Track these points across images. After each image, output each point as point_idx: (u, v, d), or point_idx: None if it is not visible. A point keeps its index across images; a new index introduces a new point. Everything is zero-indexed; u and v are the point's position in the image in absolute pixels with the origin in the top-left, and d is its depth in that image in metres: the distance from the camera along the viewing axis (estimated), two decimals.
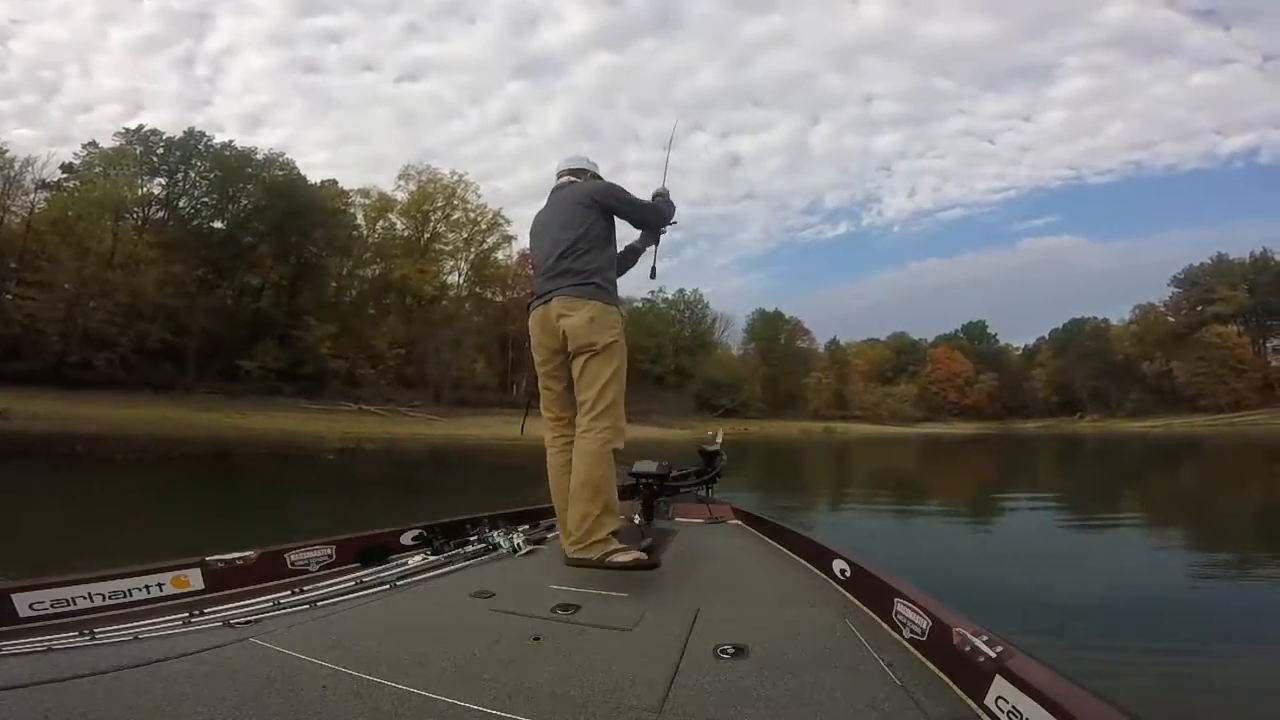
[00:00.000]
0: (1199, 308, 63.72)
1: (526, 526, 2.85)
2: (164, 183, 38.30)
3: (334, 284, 43.04)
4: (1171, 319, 66.99)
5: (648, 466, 3.11)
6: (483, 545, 2.51)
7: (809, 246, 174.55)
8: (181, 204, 38.67)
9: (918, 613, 1.50)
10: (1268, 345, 62.70)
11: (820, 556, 2.23)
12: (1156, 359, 64.95)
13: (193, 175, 38.82)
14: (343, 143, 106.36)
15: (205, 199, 39.08)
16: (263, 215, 37.89)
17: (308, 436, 22.00)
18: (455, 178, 47.92)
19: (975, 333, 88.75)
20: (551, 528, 2.63)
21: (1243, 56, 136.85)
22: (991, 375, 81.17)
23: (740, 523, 3.22)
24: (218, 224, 38.42)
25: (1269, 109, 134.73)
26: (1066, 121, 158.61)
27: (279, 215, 37.30)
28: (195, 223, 38.15)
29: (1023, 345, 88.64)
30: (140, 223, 36.35)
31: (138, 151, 37.32)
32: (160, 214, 37.74)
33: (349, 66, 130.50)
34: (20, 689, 1.17)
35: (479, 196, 49.34)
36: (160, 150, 38.17)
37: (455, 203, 48.08)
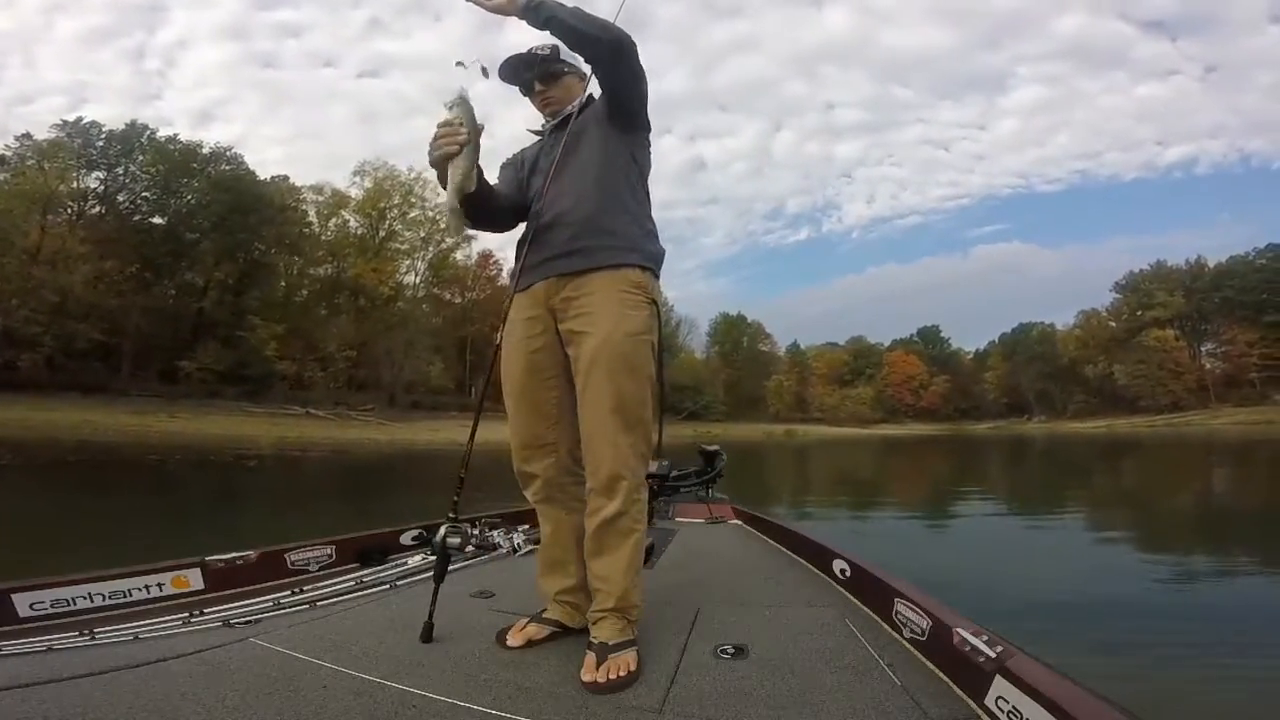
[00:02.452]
0: (1139, 313, 66.57)
1: (526, 526, 2.79)
2: (102, 176, 36.55)
3: (283, 283, 41.65)
4: (1113, 324, 69.84)
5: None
6: (483, 545, 2.50)
7: (771, 251, 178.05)
8: (120, 199, 36.94)
9: (918, 613, 1.49)
10: (1202, 349, 65.69)
11: (820, 556, 2.22)
12: (1099, 362, 67.43)
13: (133, 169, 37.05)
14: (298, 139, 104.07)
15: (146, 194, 37.37)
16: (206, 211, 36.45)
17: (242, 441, 21.04)
18: (413, 174, 46.95)
19: (929, 337, 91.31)
20: None
21: (1186, 68, 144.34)
22: (944, 378, 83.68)
23: (740, 523, 3.23)
24: (158, 220, 36.82)
25: (1208, 120, 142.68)
26: (1018, 131, 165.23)
27: (224, 211, 35.88)
28: (135, 218, 36.52)
29: (974, 349, 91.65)
30: (74, 217, 34.67)
31: (76, 144, 35.49)
32: (97, 209, 36.06)
33: (308, 61, 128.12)
34: (20, 689, 1.17)
35: (438, 194, 48.34)
36: (100, 143, 36.33)
37: (413, 200, 46.96)
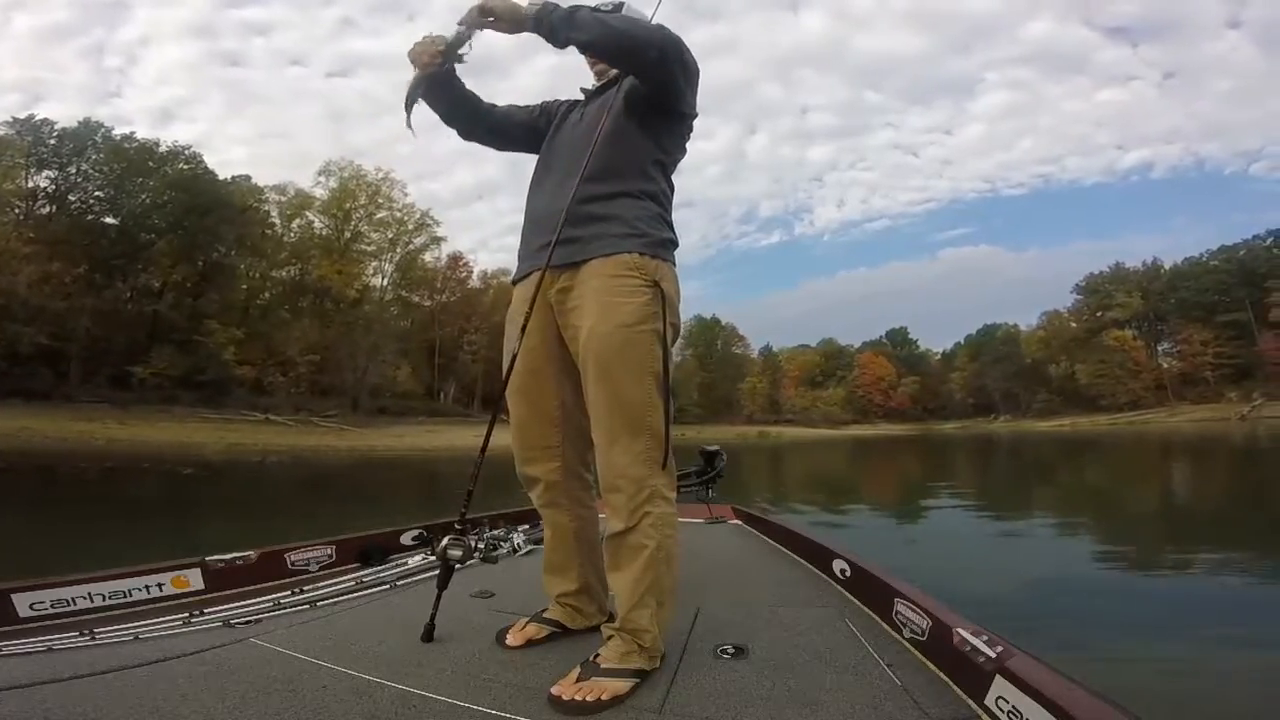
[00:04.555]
0: (1099, 314, 68.42)
1: (526, 526, 2.82)
2: (53, 175, 35.20)
3: (244, 286, 40.60)
4: (1074, 324, 71.54)
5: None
6: (483, 545, 2.32)
7: (744, 254, 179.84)
8: (72, 198, 35.63)
9: (918, 613, 1.48)
10: (1159, 348, 67.60)
11: (820, 556, 2.21)
12: (1062, 362, 68.96)
13: (86, 168, 35.80)
14: (264, 139, 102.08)
15: (99, 193, 36.13)
16: (162, 211, 35.37)
17: (191, 448, 20.31)
18: (380, 174, 46.21)
19: (898, 339, 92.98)
20: None
21: (1146, 73, 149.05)
22: (913, 379, 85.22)
23: (740, 523, 3.23)
24: (110, 220, 35.58)
25: (1165, 125, 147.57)
26: (984, 135, 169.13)
27: (180, 211, 34.87)
28: (88, 219, 35.28)
29: (941, 350, 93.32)
30: (22, 217, 33.39)
31: (26, 142, 34.14)
32: (47, 208, 34.79)
33: (275, 60, 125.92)
34: (20, 689, 1.18)
35: (406, 195, 47.69)
36: (52, 141, 34.98)
37: (380, 200, 46.24)
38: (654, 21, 1.59)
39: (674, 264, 1.55)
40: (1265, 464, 14.84)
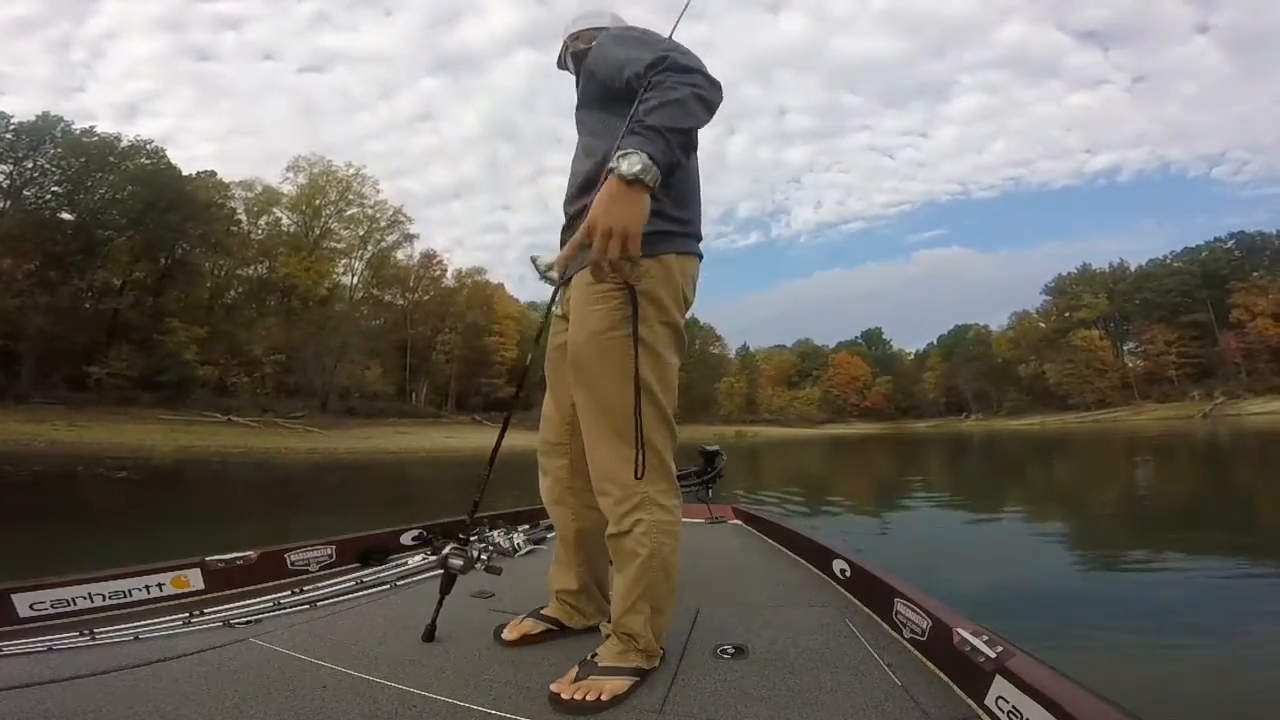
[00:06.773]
0: (1066, 314, 69.76)
1: (526, 526, 2.83)
2: (8, 170, 34.17)
3: (208, 284, 39.74)
4: (1043, 325, 72.91)
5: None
6: (483, 545, 2.25)
7: (723, 255, 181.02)
8: (27, 193, 34.63)
9: (918, 613, 1.48)
10: (1125, 348, 69.11)
11: (820, 556, 2.21)
12: (1031, 362, 70.30)
13: (43, 162, 34.81)
14: (233, 135, 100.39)
15: (56, 188, 35.13)
16: (121, 206, 34.46)
17: (140, 450, 19.67)
18: (351, 170, 45.53)
19: (872, 339, 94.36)
20: (551, 528, 2.29)
21: (1116, 78, 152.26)
22: (887, 379, 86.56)
23: (740, 523, 3.24)
24: (67, 215, 34.64)
25: (1132, 129, 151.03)
26: (958, 138, 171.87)
27: (141, 207, 33.96)
28: (44, 214, 34.27)
29: (914, 350, 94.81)
30: None
31: None
32: (1, 204, 33.77)
33: (246, 54, 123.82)
34: (20, 689, 1.18)
35: (378, 192, 47.03)
36: (8, 135, 33.88)
37: (350, 197, 45.63)
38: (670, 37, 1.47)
39: (676, 254, 1.43)
40: (1232, 460, 15.07)
